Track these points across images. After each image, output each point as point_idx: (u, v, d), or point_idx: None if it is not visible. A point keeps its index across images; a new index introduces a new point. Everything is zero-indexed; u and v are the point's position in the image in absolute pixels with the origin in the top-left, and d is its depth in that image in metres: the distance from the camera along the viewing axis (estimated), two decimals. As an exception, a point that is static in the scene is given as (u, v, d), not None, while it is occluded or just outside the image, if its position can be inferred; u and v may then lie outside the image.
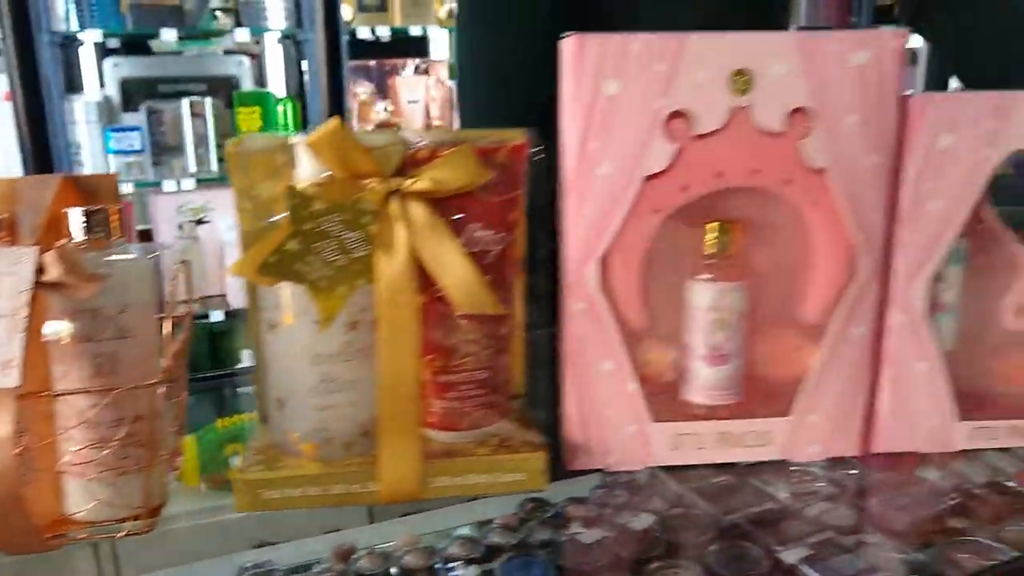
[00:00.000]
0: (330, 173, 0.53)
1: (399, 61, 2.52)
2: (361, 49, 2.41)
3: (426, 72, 2.54)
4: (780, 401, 0.64)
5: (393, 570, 0.66)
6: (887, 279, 0.62)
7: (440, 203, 0.56)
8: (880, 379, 0.65)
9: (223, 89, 2.30)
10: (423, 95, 2.50)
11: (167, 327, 0.56)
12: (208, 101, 2.17)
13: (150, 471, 0.55)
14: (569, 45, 0.55)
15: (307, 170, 0.54)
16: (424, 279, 0.55)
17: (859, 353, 0.62)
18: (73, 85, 2.24)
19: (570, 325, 0.61)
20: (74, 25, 2.07)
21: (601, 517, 0.90)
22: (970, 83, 1.06)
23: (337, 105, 2.11)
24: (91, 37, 2.13)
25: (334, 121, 0.52)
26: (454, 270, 0.55)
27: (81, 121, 2.08)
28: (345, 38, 2.25)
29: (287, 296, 0.55)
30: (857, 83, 0.57)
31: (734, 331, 0.62)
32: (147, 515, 0.55)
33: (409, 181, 0.54)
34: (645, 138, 0.56)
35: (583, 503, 0.92)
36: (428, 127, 2.53)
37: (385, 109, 2.43)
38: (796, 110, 0.57)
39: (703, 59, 0.55)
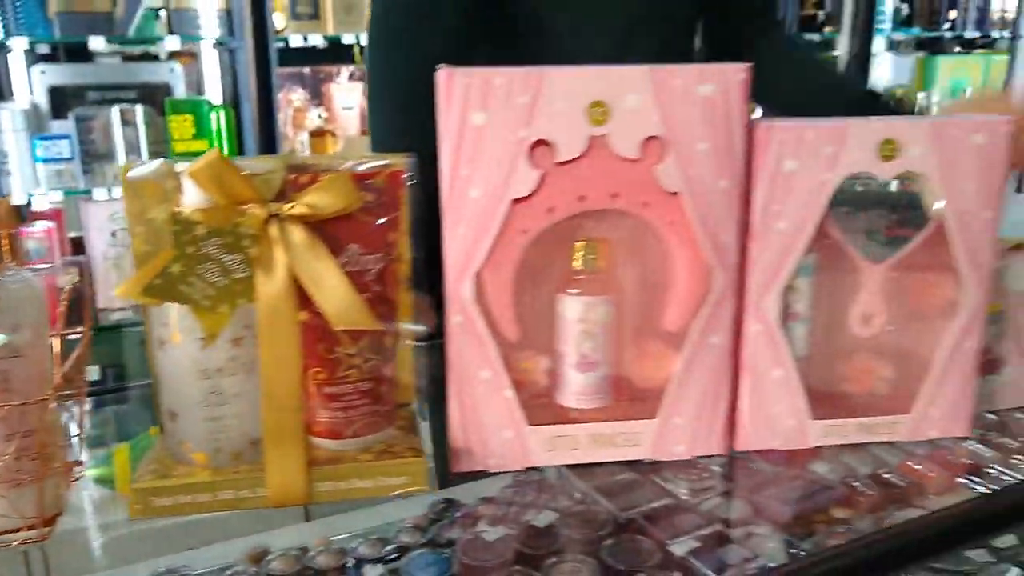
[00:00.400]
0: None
1: (333, 68, 2.54)
2: (296, 56, 2.43)
3: (361, 79, 2.56)
4: (648, 404, 0.69)
5: (305, 571, 0.70)
6: (743, 292, 0.68)
7: (321, 225, 0.59)
8: (740, 383, 0.70)
9: (157, 96, 2.29)
10: (358, 101, 2.53)
11: (57, 345, 0.59)
12: (139, 108, 2.17)
13: (43, 483, 0.58)
14: (440, 78, 0.60)
15: (193, 196, 0.58)
16: (306, 297, 0.59)
17: (717, 360, 0.68)
18: (0, 93, 2.22)
19: (451, 337, 0.65)
20: (-1, 32, 2.06)
21: (507, 515, 0.95)
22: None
23: (267, 113, 2.13)
24: (20, 44, 2.12)
25: (213, 152, 0.56)
26: (330, 289, 0.58)
27: (8, 129, 2.06)
28: (279, 45, 2.27)
29: (174, 315, 0.58)
30: (705, 114, 0.62)
31: (601, 341, 0.67)
32: (41, 524, 0.58)
33: (287, 206, 0.58)
34: (511, 165, 0.61)
35: (492, 502, 0.97)
36: (364, 133, 2.56)
37: (319, 116, 2.46)
38: (651, 138, 0.62)
39: (562, 92, 0.60)
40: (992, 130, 0.66)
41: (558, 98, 0.60)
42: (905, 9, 3.49)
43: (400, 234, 0.64)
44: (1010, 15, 3.79)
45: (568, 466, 0.72)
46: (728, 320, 0.67)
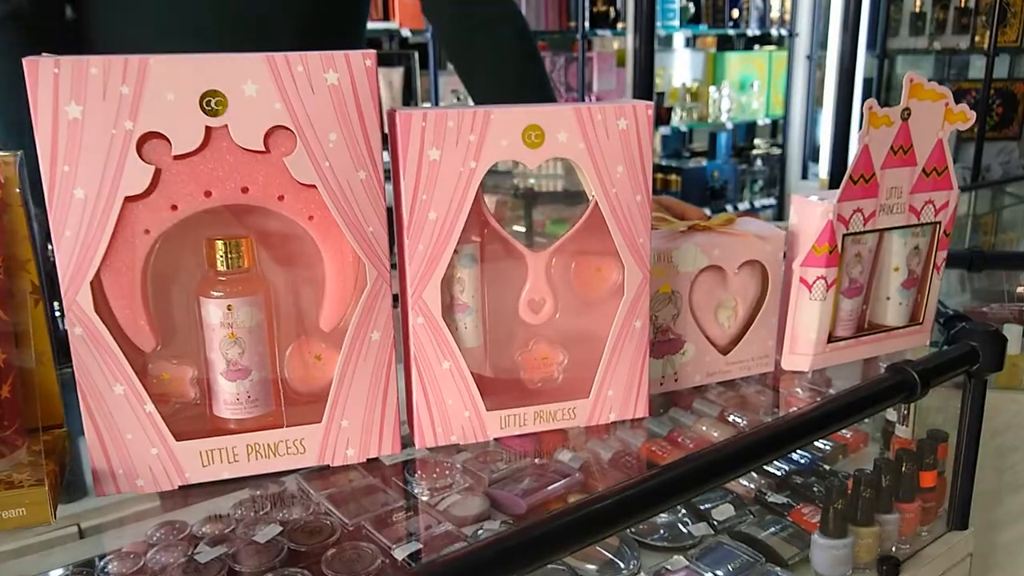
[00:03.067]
0: None
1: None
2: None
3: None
4: (312, 408, 0.66)
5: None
6: (405, 285, 0.66)
7: None
8: (411, 379, 0.68)
9: None
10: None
11: None
12: None
13: None
14: (26, 68, 0.54)
15: None
16: None
17: (379, 356, 0.65)
18: None
19: (75, 352, 0.59)
20: None
21: (233, 532, 0.89)
22: None
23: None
24: None
25: None
26: (-102, 306, 0.52)
27: None
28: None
29: None
30: (333, 102, 0.59)
31: (250, 344, 0.63)
32: None
33: None
34: (117, 160, 0.56)
35: (219, 520, 0.91)
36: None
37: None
38: (276, 128, 0.59)
39: (169, 81, 0.56)
40: (635, 113, 0.67)
41: (166, 87, 0.56)
42: (692, 8, 3.66)
43: (9, 239, 0.58)
44: (788, 15, 4.07)
45: (305, 475, 0.69)
46: (387, 314, 0.65)
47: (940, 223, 0.87)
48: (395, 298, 0.66)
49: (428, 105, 3.07)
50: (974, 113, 0.82)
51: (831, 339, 0.87)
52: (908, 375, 0.81)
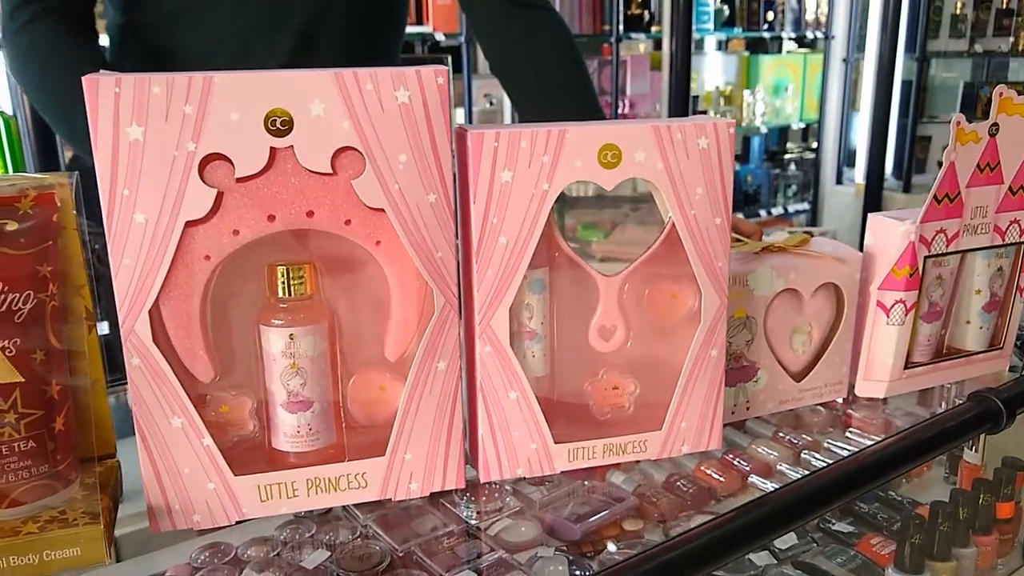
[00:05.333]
0: None
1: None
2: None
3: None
4: (375, 441, 0.63)
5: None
6: (471, 312, 0.63)
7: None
8: (476, 409, 0.65)
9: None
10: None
11: None
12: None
13: None
14: (86, 87, 0.51)
15: None
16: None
17: (446, 387, 0.62)
18: None
19: (131, 383, 0.56)
20: None
21: (279, 557, 0.86)
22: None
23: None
24: None
25: None
26: (-48, 338, 0.49)
27: None
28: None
29: None
30: (403, 122, 0.56)
31: (312, 375, 0.60)
32: None
33: None
34: (179, 183, 0.53)
35: (265, 543, 0.88)
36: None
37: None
38: (344, 149, 0.56)
39: (234, 100, 0.53)
40: (716, 132, 0.63)
41: (230, 106, 0.53)
42: (726, 11, 3.61)
43: (57, 265, 0.55)
44: (824, 17, 4.00)
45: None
46: (454, 343, 0.62)
47: (1025, 243, 0.83)
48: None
49: (461, 110, 3.03)
50: (1065, 128, 0.77)
51: (907, 364, 0.82)
52: (992, 404, 0.77)
